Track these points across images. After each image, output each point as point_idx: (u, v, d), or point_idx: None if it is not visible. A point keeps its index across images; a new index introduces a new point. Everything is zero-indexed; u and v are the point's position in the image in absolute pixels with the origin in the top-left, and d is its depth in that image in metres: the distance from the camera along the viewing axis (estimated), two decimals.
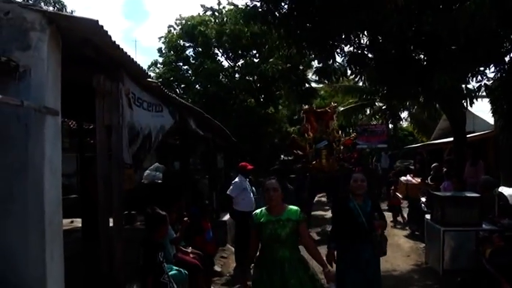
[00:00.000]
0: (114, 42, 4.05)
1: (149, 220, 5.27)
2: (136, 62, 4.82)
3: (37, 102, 3.52)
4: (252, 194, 9.46)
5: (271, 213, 4.57)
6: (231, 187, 9.46)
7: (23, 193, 3.58)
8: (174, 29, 23.08)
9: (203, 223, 7.91)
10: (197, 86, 21.88)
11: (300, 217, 4.59)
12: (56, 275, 3.82)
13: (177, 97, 7.20)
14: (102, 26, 3.69)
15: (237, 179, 9.56)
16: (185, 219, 6.92)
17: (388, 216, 15.03)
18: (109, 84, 4.58)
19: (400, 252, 10.44)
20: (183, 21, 22.73)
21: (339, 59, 10.38)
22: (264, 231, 4.51)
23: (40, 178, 3.60)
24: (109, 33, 3.86)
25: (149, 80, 5.57)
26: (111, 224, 5.00)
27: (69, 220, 12.57)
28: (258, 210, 4.78)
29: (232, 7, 21.21)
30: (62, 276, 3.97)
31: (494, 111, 11.17)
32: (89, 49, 4.08)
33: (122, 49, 4.27)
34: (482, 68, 9.14)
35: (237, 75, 22.72)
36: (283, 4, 9.47)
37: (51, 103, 3.71)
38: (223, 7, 22.44)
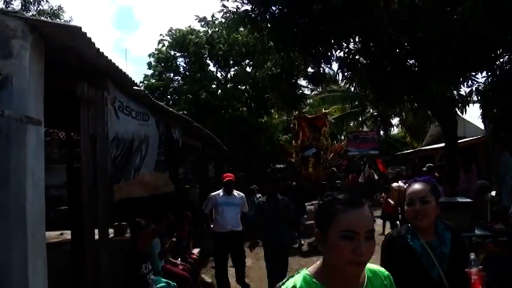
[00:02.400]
0: (98, 49, 3.97)
1: (130, 229, 5.24)
2: (121, 70, 4.73)
3: (19, 112, 3.43)
4: (236, 210, 7.87)
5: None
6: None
7: (5, 205, 3.47)
8: (165, 40, 23.05)
9: (178, 231, 7.77)
10: (188, 95, 21.81)
11: None
12: None
13: (164, 106, 7.13)
14: (85, 33, 3.61)
15: (216, 192, 8.17)
16: (173, 239, 6.92)
17: (380, 222, 15.07)
18: (93, 93, 4.48)
19: None
20: (174, 31, 22.71)
21: (330, 64, 10.36)
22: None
23: (22, 190, 3.50)
24: (92, 40, 3.78)
25: (136, 88, 5.48)
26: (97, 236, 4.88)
27: (59, 232, 12.43)
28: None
29: (223, 19, 21.26)
30: None
31: (485, 117, 11.20)
32: (72, 57, 4.00)
33: (106, 57, 4.19)
34: (473, 73, 9.14)
35: (229, 85, 22.70)
36: (274, 9, 9.43)
37: (33, 112, 3.62)
38: (216, 18, 22.52)
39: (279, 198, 7.38)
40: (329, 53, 9.97)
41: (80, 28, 3.57)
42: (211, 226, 8.09)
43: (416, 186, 3.10)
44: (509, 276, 5.36)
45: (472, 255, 2.77)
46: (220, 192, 7.97)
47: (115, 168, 5.10)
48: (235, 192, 8.04)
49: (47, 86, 3.83)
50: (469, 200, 7.90)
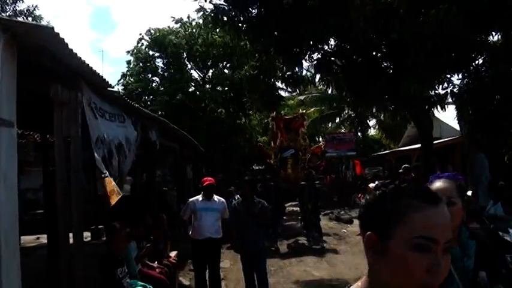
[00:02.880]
0: (71, 50, 3.90)
1: (106, 232, 5.16)
2: (95, 71, 4.66)
3: None
4: (216, 216, 7.38)
5: None
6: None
7: None
8: (143, 39, 22.85)
9: (155, 233, 7.68)
10: (165, 96, 21.67)
11: None
12: None
13: (140, 107, 7.06)
14: (58, 34, 3.55)
15: (195, 197, 7.73)
16: (148, 245, 6.82)
17: (357, 223, 15.20)
18: (67, 94, 4.40)
19: None
20: (153, 32, 22.54)
21: (306, 65, 10.41)
22: None
23: None
24: (66, 40, 3.72)
25: (110, 89, 5.41)
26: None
27: (35, 236, 12.22)
28: None
29: (200, 19, 21.24)
30: None
31: (461, 118, 11.36)
32: (46, 58, 3.92)
33: (80, 57, 4.12)
34: (448, 75, 9.26)
35: (207, 86, 22.64)
36: (251, 9, 9.42)
37: (5, 114, 3.53)
38: (193, 19, 22.43)
39: (255, 201, 7.00)
40: (306, 55, 10.00)
41: (53, 28, 3.51)
42: (189, 233, 7.56)
43: (440, 184, 2.45)
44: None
45: None
46: (199, 197, 7.50)
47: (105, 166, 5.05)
48: (216, 198, 7.55)
49: (20, 88, 3.75)
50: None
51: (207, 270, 7.45)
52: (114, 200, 4.98)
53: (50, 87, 4.30)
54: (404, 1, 7.77)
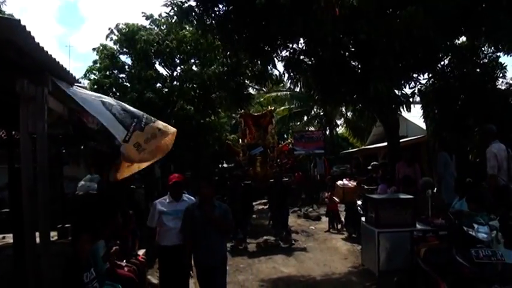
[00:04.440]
0: (38, 43, 3.82)
1: (71, 234, 5.05)
2: (62, 65, 4.57)
3: None
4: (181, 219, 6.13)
5: None
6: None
7: None
8: (113, 33, 22.43)
9: (123, 231, 7.56)
10: (133, 93, 21.38)
11: None
12: None
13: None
14: (24, 26, 3.48)
15: (157, 201, 6.74)
16: (116, 247, 6.67)
17: (325, 220, 15.36)
18: (33, 89, 4.29)
19: (338, 255, 10.60)
20: (123, 27, 22.18)
21: (275, 64, 10.44)
22: None
23: None
24: (32, 33, 3.64)
25: (77, 84, 5.32)
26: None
27: (1, 236, 11.95)
28: None
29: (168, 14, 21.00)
30: None
31: (426, 117, 11.61)
32: (11, 51, 3.82)
33: (47, 51, 4.04)
34: (415, 75, 9.44)
35: (175, 83, 22.43)
36: (220, 6, 9.39)
37: None
38: (163, 16, 22.19)
39: (215, 204, 5.83)
40: (275, 53, 10.05)
41: (19, 21, 3.43)
42: (156, 239, 6.60)
43: None
44: (448, 267, 5.58)
45: None
46: (166, 198, 6.61)
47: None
48: (185, 197, 6.65)
49: None
50: (410, 196, 8.18)
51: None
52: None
53: (16, 82, 4.20)
54: (371, 2, 7.87)
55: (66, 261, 5.11)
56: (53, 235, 10.04)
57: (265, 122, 15.77)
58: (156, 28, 22.24)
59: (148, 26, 22.24)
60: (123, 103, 5.56)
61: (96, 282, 5.34)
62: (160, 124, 5.67)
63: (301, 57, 10.00)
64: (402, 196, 8.41)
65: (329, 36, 8.09)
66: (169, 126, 5.95)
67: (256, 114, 16.60)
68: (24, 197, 4.53)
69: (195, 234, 5.70)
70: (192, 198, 6.81)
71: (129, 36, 21.50)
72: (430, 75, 10.08)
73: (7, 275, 7.29)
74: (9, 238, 10.32)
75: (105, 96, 5.42)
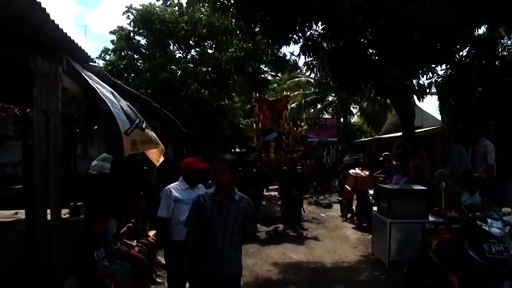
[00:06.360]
0: (53, 21, 3.78)
1: (84, 212, 5.09)
2: (77, 44, 4.54)
3: None
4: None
5: None
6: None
7: None
8: (130, 11, 22.38)
9: (134, 212, 7.60)
10: (148, 74, 21.38)
11: None
12: None
13: (122, 84, 6.94)
14: (39, 3, 3.43)
15: (170, 186, 5.61)
16: (130, 224, 6.72)
17: (336, 208, 15.33)
18: (47, 67, 4.27)
19: (348, 243, 10.57)
20: (139, 7, 22.14)
21: (291, 49, 10.36)
22: None
23: None
24: (47, 10, 3.59)
25: (92, 64, 5.29)
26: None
27: (14, 211, 12.09)
28: None
29: None
30: None
31: (442, 108, 11.46)
32: (26, 28, 3.80)
33: (62, 29, 4.00)
34: (433, 65, 9.29)
35: (189, 65, 22.37)
36: None
37: None
38: None
39: (235, 197, 4.32)
40: (291, 37, 9.93)
41: None
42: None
43: None
44: (459, 261, 5.52)
45: None
46: (179, 184, 5.63)
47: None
48: (200, 185, 5.74)
49: (0, 59, 3.64)
50: (424, 188, 8.11)
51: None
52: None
53: (30, 60, 4.18)
54: None
55: (77, 239, 5.14)
56: (65, 213, 10.13)
57: (280, 107, 15.60)
58: (169, 9, 22.13)
59: (163, 8, 22.15)
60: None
61: (106, 261, 5.38)
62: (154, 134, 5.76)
63: (318, 41, 9.87)
64: (415, 187, 8.34)
65: (347, 18, 7.95)
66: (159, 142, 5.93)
67: (271, 99, 16.38)
68: (36, 174, 4.55)
69: (206, 235, 4.21)
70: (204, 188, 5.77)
71: (145, 16, 21.44)
72: (448, 66, 9.91)
73: (18, 250, 7.38)
74: (22, 214, 10.43)
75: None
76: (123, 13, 22.03)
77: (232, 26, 10.35)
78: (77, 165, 14.18)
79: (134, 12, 21.83)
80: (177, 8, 21.87)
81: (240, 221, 4.22)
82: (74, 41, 4.43)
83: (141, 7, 21.83)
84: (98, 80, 5.18)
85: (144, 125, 5.54)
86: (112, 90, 5.36)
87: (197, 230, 4.24)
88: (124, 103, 5.35)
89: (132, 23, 22.04)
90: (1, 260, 3.61)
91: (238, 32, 10.52)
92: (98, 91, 4.92)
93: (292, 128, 17.10)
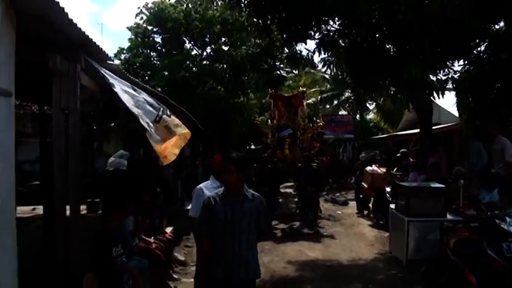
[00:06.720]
0: (72, 20, 3.82)
1: (102, 208, 5.14)
2: (95, 42, 4.58)
3: None
4: None
5: None
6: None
7: None
8: (142, 12, 22.54)
9: (151, 208, 7.64)
10: (165, 72, 21.47)
11: None
12: (8, 265, 3.60)
13: (139, 82, 6.98)
14: (58, 2, 3.46)
15: (202, 185, 5.47)
16: (147, 221, 6.77)
17: (352, 205, 15.25)
18: (66, 66, 4.33)
19: (364, 241, 10.52)
20: (153, 4, 22.26)
21: (307, 45, 10.31)
22: None
23: None
24: (65, 10, 3.63)
25: (110, 62, 5.34)
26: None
27: (31, 207, 12.23)
28: None
29: None
30: (15, 268, 3.75)
31: (460, 104, 11.31)
32: (45, 27, 3.84)
33: (80, 28, 4.04)
34: (450, 61, 9.19)
35: (205, 62, 22.42)
36: None
37: (3, 83, 3.46)
38: None
39: (248, 196, 4.19)
40: (308, 33, 9.88)
41: None
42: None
43: None
44: (477, 260, 5.46)
45: None
46: (210, 182, 5.46)
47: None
48: None
49: (19, 58, 3.68)
50: (442, 185, 8.03)
51: None
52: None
53: (49, 58, 4.23)
54: None
55: (95, 235, 5.20)
56: (82, 209, 10.22)
57: (296, 103, 15.49)
58: (182, 6, 22.18)
59: (176, 5, 22.22)
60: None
61: (124, 257, 5.43)
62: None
63: (335, 38, 9.81)
64: (433, 185, 8.27)
65: (364, 15, 7.89)
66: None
67: (286, 95, 16.27)
68: (55, 171, 4.61)
69: (217, 236, 4.13)
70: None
71: (158, 15, 21.54)
72: (466, 61, 9.79)
73: (36, 246, 7.47)
74: (39, 210, 10.55)
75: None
76: (136, 15, 22.26)
77: (248, 23, 10.33)
78: (94, 162, 14.32)
79: (146, 12, 21.99)
80: (190, 6, 21.91)
81: (255, 220, 4.14)
82: (92, 39, 4.48)
83: (153, 5, 21.95)
84: (116, 76, 5.23)
85: (168, 111, 5.70)
86: (132, 85, 5.44)
87: (209, 232, 4.15)
88: (145, 95, 5.42)
89: (146, 22, 22.21)
90: (20, 255, 3.65)
91: (253, 28, 10.49)
92: (118, 87, 4.95)
93: (308, 125, 17.01)
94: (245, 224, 4.08)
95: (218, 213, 4.07)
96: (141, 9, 22.42)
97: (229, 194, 4.14)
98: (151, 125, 5.06)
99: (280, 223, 12.54)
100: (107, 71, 5.05)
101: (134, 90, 5.29)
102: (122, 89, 5.03)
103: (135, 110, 4.95)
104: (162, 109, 5.48)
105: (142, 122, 4.96)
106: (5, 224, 3.54)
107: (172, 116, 5.73)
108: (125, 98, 4.96)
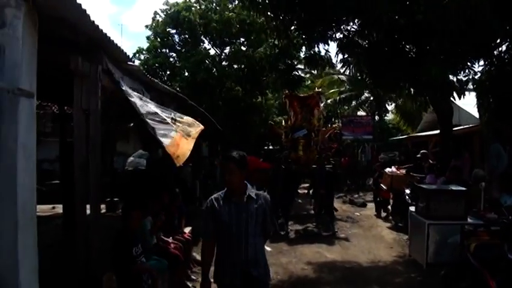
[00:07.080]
0: (93, 22, 3.86)
1: (122, 208, 5.19)
2: (116, 44, 4.63)
3: (11, 83, 3.31)
4: None
5: None
6: None
7: None
8: (158, 14, 22.73)
9: (170, 209, 7.67)
10: (185, 72, 21.59)
11: None
12: (29, 263, 3.64)
13: (159, 83, 7.03)
14: (80, 4, 3.50)
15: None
16: (163, 217, 6.79)
17: (371, 207, 15.15)
18: (87, 67, 4.38)
19: (383, 243, 10.43)
20: (168, 7, 22.41)
21: (326, 46, 10.27)
22: None
23: (13, 163, 3.40)
24: (87, 11, 3.66)
25: (130, 63, 5.38)
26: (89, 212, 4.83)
27: (51, 206, 12.39)
28: None
29: None
30: (36, 265, 3.80)
31: (480, 106, 11.16)
32: (66, 29, 3.88)
33: (101, 29, 4.08)
34: (471, 62, 9.07)
35: (224, 63, 22.51)
36: None
37: (26, 84, 3.50)
38: None
39: (252, 195, 3.92)
40: (328, 34, 9.84)
41: None
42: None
43: None
44: (498, 264, 5.39)
45: None
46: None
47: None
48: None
49: (40, 59, 3.72)
50: (463, 188, 7.92)
51: None
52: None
53: (70, 59, 4.28)
54: None
55: (116, 235, 5.24)
56: (102, 208, 10.31)
57: (312, 103, 15.35)
58: (200, 7, 22.29)
59: (192, 6, 22.32)
60: None
61: (144, 257, 5.47)
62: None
63: (355, 38, 9.76)
64: (454, 188, 8.17)
65: (384, 15, 7.83)
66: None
67: (302, 95, 16.12)
68: (76, 171, 4.66)
69: (223, 241, 3.94)
70: (261, 193, 4.44)
71: (174, 17, 21.66)
72: (486, 62, 9.66)
73: (54, 244, 7.56)
74: (59, 208, 10.68)
75: None
76: (152, 20, 22.43)
77: (267, 24, 10.34)
78: (113, 162, 14.46)
79: (162, 14, 22.15)
80: (208, 6, 22.02)
81: (261, 221, 3.91)
82: (113, 41, 4.52)
83: (168, 7, 22.07)
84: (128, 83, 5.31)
85: (177, 115, 5.83)
86: (140, 94, 5.47)
87: (215, 234, 3.94)
88: (152, 105, 5.43)
89: (162, 24, 22.37)
90: (40, 253, 3.69)
91: (272, 30, 10.49)
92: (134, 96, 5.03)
93: (325, 126, 16.88)
94: (252, 227, 3.84)
95: (222, 216, 3.84)
96: (155, 15, 22.66)
97: (232, 195, 3.90)
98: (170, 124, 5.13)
99: (295, 223, 12.51)
100: (121, 75, 5.10)
101: (140, 99, 5.32)
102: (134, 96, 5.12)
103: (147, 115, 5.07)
104: (172, 115, 5.56)
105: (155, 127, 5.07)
106: (27, 223, 3.59)
107: (184, 117, 5.78)
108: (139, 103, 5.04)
